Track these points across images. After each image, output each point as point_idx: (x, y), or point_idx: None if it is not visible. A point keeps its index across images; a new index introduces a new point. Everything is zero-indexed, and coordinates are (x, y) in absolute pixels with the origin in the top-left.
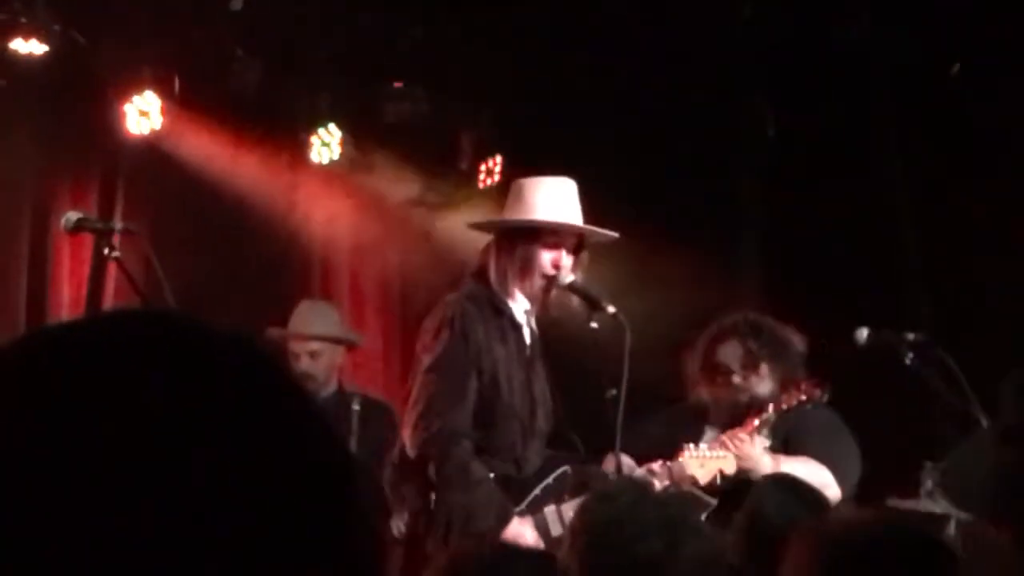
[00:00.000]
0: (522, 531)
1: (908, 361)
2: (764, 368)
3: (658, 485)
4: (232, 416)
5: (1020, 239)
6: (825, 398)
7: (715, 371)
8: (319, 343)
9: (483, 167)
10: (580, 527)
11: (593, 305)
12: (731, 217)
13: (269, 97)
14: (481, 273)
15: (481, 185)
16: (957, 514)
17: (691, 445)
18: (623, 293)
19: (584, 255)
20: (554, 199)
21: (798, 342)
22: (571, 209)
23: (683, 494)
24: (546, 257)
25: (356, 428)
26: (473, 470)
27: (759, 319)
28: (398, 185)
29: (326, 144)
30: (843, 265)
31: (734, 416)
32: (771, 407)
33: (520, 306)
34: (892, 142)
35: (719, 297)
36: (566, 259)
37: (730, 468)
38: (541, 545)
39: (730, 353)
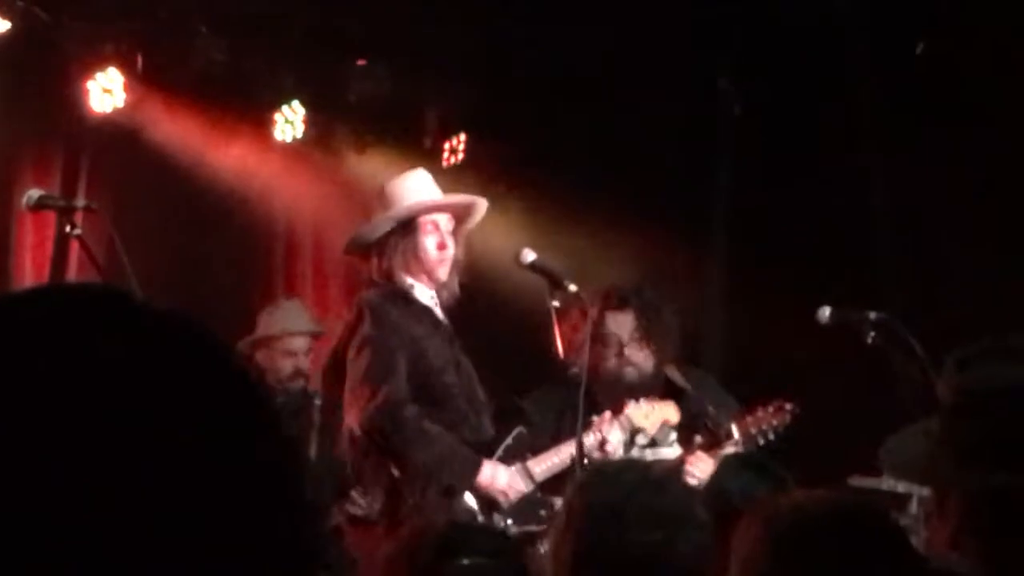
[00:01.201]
0: (497, 472)
1: (870, 340)
2: (653, 344)
3: (618, 436)
4: (176, 407)
5: (988, 220)
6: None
7: (604, 341)
8: (308, 341)
9: (447, 145)
10: (579, 509)
11: (555, 283)
12: (699, 194)
13: (233, 75)
14: (375, 277)
15: (445, 163)
16: (919, 492)
17: (634, 400)
18: (587, 271)
19: (463, 231)
20: (411, 188)
21: (677, 322)
22: (429, 193)
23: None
24: (429, 243)
25: (317, 422)
26: (427, 428)
27: (650, 291)
28: (362, 163)
29: (290, 122)
30: (810, 244)
31: (618, 394)
32: (737, 432)
33: (425, 293)
34: (863, 120)
35: (685, 274)
36: (448, 240)
37: (674, 417)
38: (521, 488)
39: (622, 324)
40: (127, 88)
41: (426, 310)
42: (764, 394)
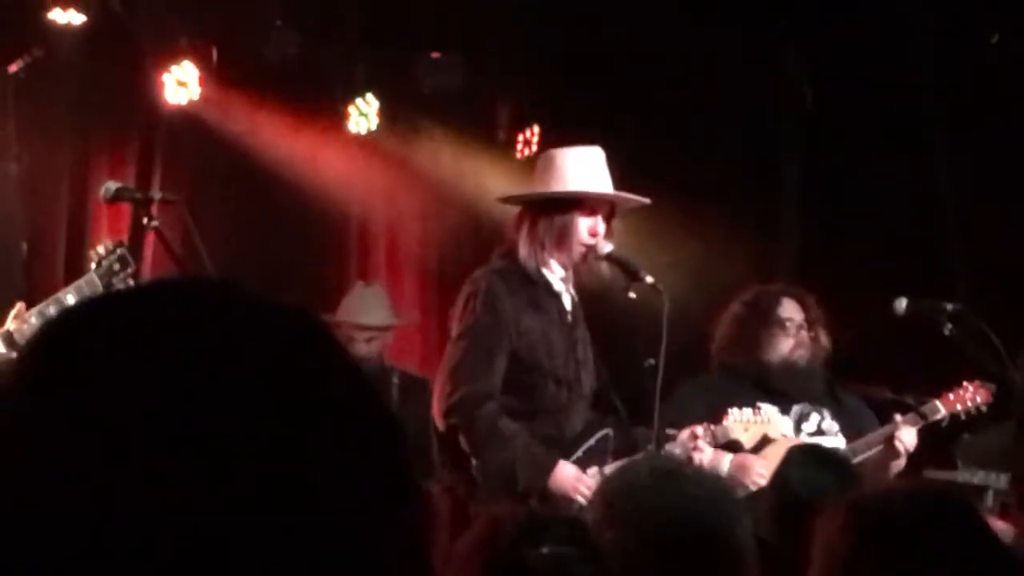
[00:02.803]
0: (569, 472)
1: (947, 331)
2: (817, 338)
3: (706, 451)
4: (289, 396)
5: None
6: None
7: (780, 324)
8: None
9: (520, 137)
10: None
11: (631, 275)
12: (770, 185)
13: (307, 67)
14: (511, 247)
15: (518, 155)
16: (995, 485)
17: (734, 409)
18: (661, 262)
19: (615, 223)
20: (586, 168)
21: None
22: (603, 177)
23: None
24: (584, 225)
25: (396, 402)
26: (502, 427)
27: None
28: (436, 156)
29: (363, 114)
30: (881, 234)
31: (792, 377)
32: (943, 408)
33: (556, 275)
34: (933, 110)
35: (757, 265)
36: (601, 226)
37: (775, 432)
38: (591, 486)
39: (796, 310)
40: (202, 81)
41: (552, 293)
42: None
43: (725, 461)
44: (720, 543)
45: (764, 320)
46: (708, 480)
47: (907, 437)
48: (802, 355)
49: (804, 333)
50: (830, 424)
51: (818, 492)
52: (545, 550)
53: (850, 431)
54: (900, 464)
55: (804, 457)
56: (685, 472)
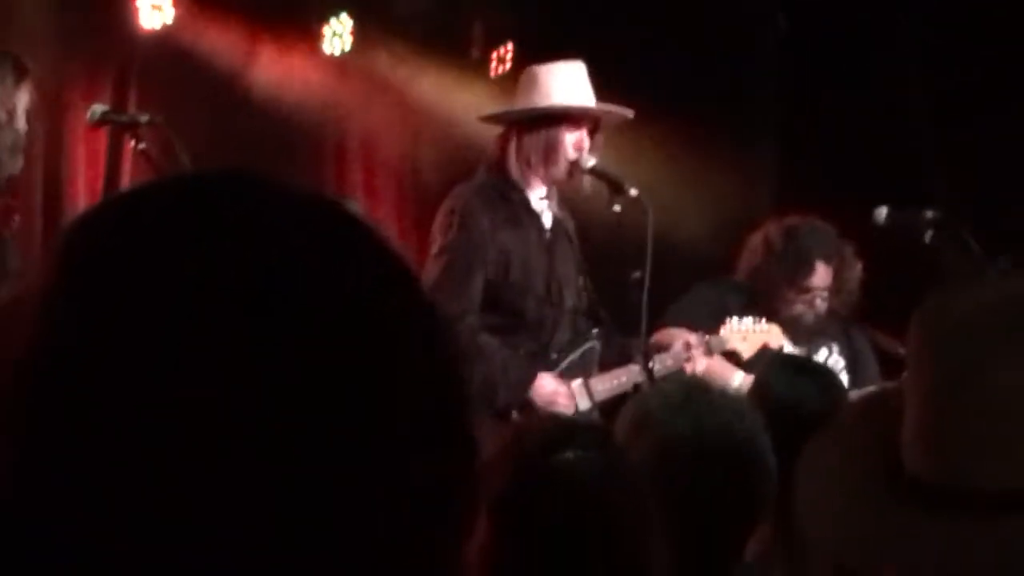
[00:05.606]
0: (549, 384)
1: (927, 239)
2: (840, 298)
3: (699, 362)
4: (337, 295)
5: None
6: None
7: (801, 287)
8: None
9: (495, 55)
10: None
11: (615, 188)
12: (748, 101)
13: None
14: (496, 164)
15: (493, 74)
16: None
17: (734, 318)
18: (644, 177)
19: (599, 137)
20: (570, 83)
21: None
22: (586, 91)
23: None
24: (569, 139)
25: None
26: (482, 343)
27: (849, 247)
28: (410, 75)
29: (338, 34)
30: (860, 147)
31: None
32: None
33: (536, 193)
34: (905, 24)
35: (737, 179)
36: (586, 140)
37: (776, 341)
38: (573, 396)
39: (824, 277)
40: (176, 4)
41: (528, 210)
42: None
43: (736, 377)
44: (747, 455)
45: (789, 279)
46: (729, 395)
47: None
48: (810, 315)
49: (820, 300)
50: (836, 360)
51: (803, 401)
52: (570, 455)
53: (855, 369)
54: None
55: (789, 366)
56: (709, 389)
